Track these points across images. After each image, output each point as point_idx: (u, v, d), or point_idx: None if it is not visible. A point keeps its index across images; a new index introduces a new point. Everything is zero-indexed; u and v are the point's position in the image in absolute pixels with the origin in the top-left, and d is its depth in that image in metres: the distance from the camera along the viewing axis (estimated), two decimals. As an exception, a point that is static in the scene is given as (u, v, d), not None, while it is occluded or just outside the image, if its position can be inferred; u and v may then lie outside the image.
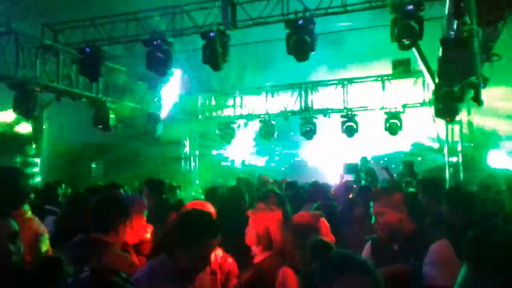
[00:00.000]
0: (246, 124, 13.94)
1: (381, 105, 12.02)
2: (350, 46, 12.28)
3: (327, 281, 1.33)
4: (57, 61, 9.66)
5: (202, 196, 7.87)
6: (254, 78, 13.78)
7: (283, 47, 7.95)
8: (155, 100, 12.79)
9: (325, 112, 12.58)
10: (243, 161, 18.46)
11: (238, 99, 13.85)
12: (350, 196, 6.08)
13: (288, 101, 13.13)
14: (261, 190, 5.45)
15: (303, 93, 12.95)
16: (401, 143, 15.23)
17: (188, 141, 15.45)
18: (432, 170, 12.82)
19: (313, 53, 7.87)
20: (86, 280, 1.27)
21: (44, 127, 13.41)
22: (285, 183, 7.65)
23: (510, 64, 8.79)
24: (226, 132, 13.61)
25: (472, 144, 12.60)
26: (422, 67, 9.09)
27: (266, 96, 13.37)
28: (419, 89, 12.02)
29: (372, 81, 12.45)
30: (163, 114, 12.74)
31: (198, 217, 2.44)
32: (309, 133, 12.38)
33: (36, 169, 12.31)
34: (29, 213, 3.12)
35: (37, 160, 12.36)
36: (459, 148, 11.72)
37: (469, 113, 12.47)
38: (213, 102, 14.62)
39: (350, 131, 12.03)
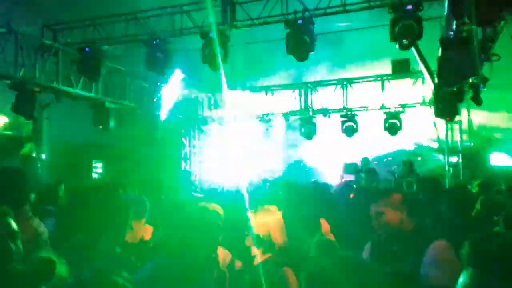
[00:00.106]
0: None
1: (381, 105, 12.03)
2: (350, 46, 12.26)
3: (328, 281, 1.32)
4: (56, 61, 9.66)
5: (201, 196, 7.88)
6: (254, 78, 13.77)
7: (283, 47, 7.96)
8: (155, 100, 12.78)
9: (324, 112, 12.59)
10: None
11: (238, 99, 13.84)
12: (351, 196, 6.08)
13: (288, 101, 13.14)
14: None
15: (302, 93, 12.96)
16: (401, 143, 15.21)
17: (187, 141, 15.46)
18: (432, 170, 12.82)
19: (312, 53, 7.87)
20: (86, 280, 1.27)
21: (43, 128, 13.40)
22: (285, 183, 7.64)
23: (510, 64, 8.80)
24: (228, 132, 13.65)
25: (472, 144, 12.62)
26: (421, 67, 9.10)
27: (266, 96, 13.39)
28: (418, 89, 12.03)
29: (371, 81, 12.46)
30: (163, 114, 12.73)
31: None
32: (309, 133, 12.39)
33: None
34: (29, 213, 3.12)
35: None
36: (459, 148, 11.73)
37: (469, 113, 12.49)
38: (213, 102, 14.62)
39: (349, 131, 12.04)
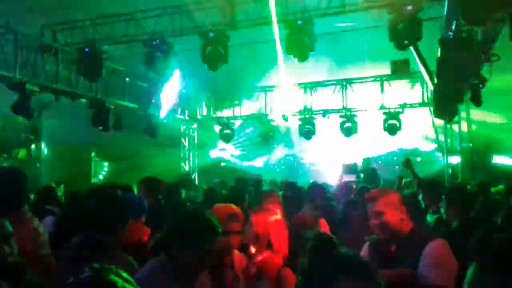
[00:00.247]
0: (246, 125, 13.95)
1: (380, 105, 12.04)
2: (349, 46, 12.27)
3: (326, 281, 1.32)
4: (56, 61, 9.65)
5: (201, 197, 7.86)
6: (253, 78, 13.77)
7: (282, 47, 7.96)
8: (154, 100, 12.78)
9: (324, 112, 12.60)
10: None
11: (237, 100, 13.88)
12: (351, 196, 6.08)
13: (287, 101, 13.15)
14: (259, 191, 5.46)
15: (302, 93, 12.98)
16: (401, 143, 15.23)
17: (187, 141, 15.47)
18: (432, 171, 12.84)
19: (312, 53, 7.88)
20: (86, 280, 1.27)
21: (43, 128, 13.42)
22: (285, 183, 7.66)
23: (510, 64, 8.82)
24: (225, 132, 13.65)
25: (471, 144, 12.64)
26: (421, 67, 9.11)
27: (266, 96, 13.41)
28: (418, 89, 12.04)
29: (371, 81, 12.47)
30: (163, 114, 12.73)
31: (198, 218, 2.44)
32: (309, 134, 12.39)
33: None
34: (29, 214, 3.13)
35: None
36: (458, 148, 11.75)
37: (468, 113, 12.51)
38: (213, 102, 14.64)
39: (348, 131, 12.05)
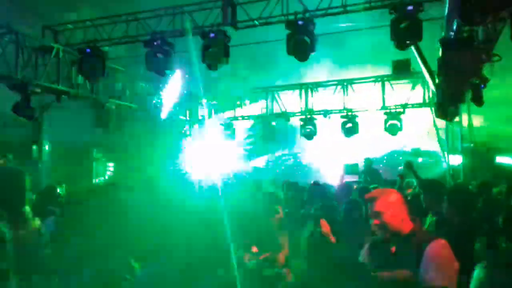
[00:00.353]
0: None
1: (381, 105, 12.03)
2: (350, 46, 12.27)
3: None
4: (57, 62, 9.66)
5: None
6: (254, 78, 13.79)
7: (283, 47, 7.95)
8: (155, 101, 12.79)
9: (325, 113, 12.59)
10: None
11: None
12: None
13: (288, 102, 13.15)
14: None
15: (303, 93, 12.97)
16: (401, 143, 15.21)
17: (187, 141, 15.44)
18: (433, 171, 12.81)
19: (313, 53, 7.87)
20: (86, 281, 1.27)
21: (44, 128, 13.40)
22: (286, 183, 7.65)
23: (510, 64, 8.80)
24: (227, 132, 13.66)
25: (472, 145, 12.61)
26: (422, 67, 9.10)
27: (266, 97, 13.40)
28: (419, 89, 12.03)
29: (372, 81, 12.47)
30: (163, 114, 12.74)
31: None
32: (310, 135, 12.39)
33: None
34: (31, 214, 3.13)
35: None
36: (459, 148, 11.72)
37: (469, 114, 12.49)
38: (214, 103, 14.64)
39: (349, 132, 12.04)
